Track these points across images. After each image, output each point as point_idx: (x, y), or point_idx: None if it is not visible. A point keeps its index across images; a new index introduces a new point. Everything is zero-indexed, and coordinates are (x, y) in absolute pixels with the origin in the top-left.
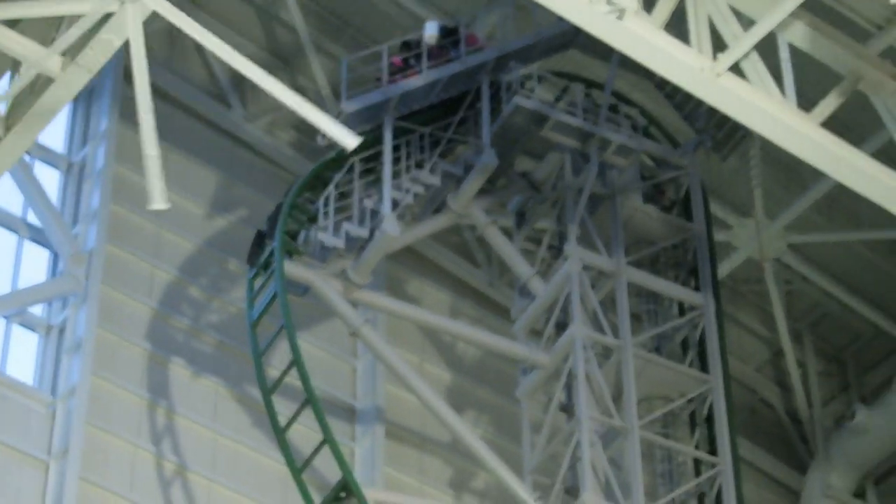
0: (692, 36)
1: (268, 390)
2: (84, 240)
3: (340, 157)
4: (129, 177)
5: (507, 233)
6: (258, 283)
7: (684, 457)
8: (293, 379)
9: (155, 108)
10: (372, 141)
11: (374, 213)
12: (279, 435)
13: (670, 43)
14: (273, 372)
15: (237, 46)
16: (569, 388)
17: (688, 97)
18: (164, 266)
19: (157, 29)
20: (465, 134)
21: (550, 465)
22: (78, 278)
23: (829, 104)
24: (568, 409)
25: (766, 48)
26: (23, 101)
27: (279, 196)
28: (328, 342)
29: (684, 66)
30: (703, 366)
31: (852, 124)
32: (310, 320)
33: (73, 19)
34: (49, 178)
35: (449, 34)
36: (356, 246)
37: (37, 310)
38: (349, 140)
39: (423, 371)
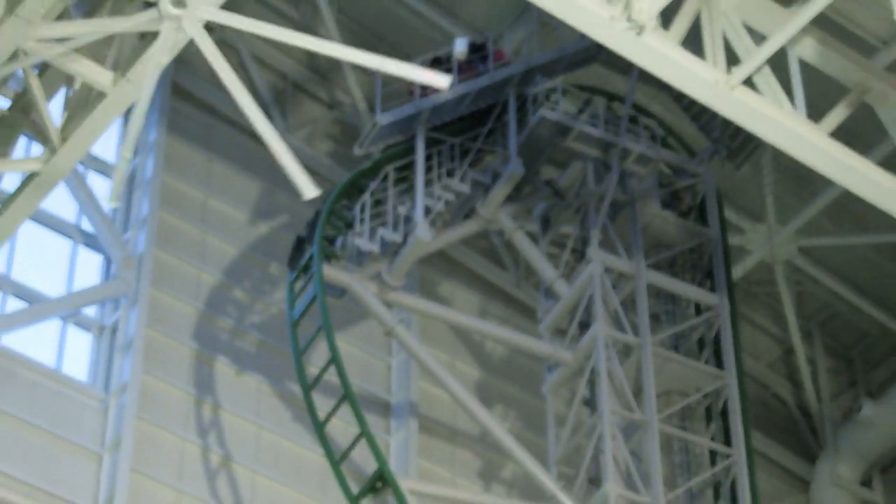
0: (707, 51)
1: (307, 387)
2: (134, 245)
3: (376, 166)
4: (176, 185)
5: (532, 237)
6: (298, 285)
7: (700, 448)
8: (331, 376)
9: (199, 121)
10: (405, 151)
11: (408, 219)
12: (318, 429)
13: (687, 58)
14: (312, 369)
15: (279, 63)
16: (591, 383)
17: (703, 109)
18: (210, 269)
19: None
20: (493, 144)
21: (574, 457)
22: (128, 281)
23: (837, 115)
24: (591, 403)
25: (778, 62)
26: (76, 114)
27: (318, 203)
28: (364, 341)
29: (700, 79)
30: (719, 362)
31: (859, 134)
32: (347, 321)
33: (124, 38)
34: (101, 187)
35: (477, 50)
36: (390, 250)
37: (90, 311)
38: (308, 190)
39: (453, 368)
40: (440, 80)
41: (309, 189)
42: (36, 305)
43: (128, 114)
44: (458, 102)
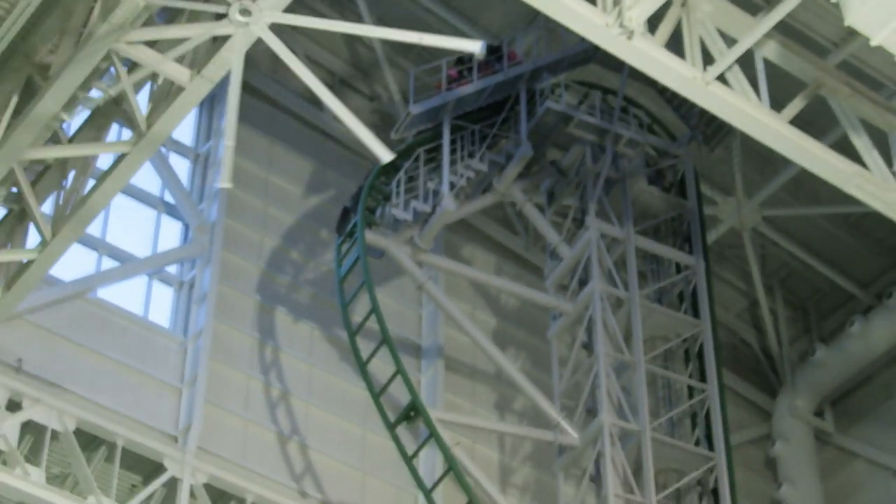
0: (686, 52)
1: (352, 333)
2: (208, 214)
3: (409, 149)
4: (242, 164)
5: (540, 208)
6: (344, 248)
7: (680, 384)
8: (372, 323)
9: (262, 111)
10: (433, 136)
11: (436, 193)
12: (361, 367)
13: (669, 58)
14: (356, 318)
15: (327, 62)
16: (589, 330)
17: (683, 101)
18: (270, 235)
19: (265, 48)
20: (507, 130)
21: (574, 391)
22: (203, 244)
23: (795, 106)
24: (588, 347)
25: (746, 62)
26: (159, 105)
27: (360, 179)
28: (399, 294)
29: (680, 76)
30: (695, 312)
31: (814, 122)
32: (385, 277)
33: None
34: (180, 166)
35: (494, 52)
36: (421, 219)
37: (171, 269)
38: (384, 154)
39: (473, 317)
40: (471, 46)
41: (384, 153)
42: (126, 264)
43: (204, 104)
44: (477, 95)
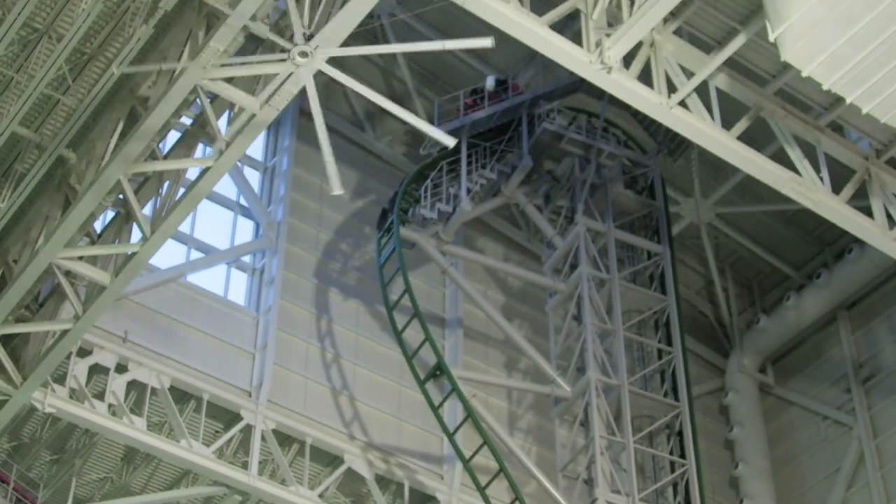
0: (654, 83)
1: (390, 308)
2: (275, 214)
3: (434, 162)
4: (302, 175)
5: (538, 208)
6: (383, 241)
7: (651, 347)
8: (406, 301)
9: (316, 133)
10: (453, 151)
11: (456, 197)
12: (397, 336)
13: (641, 87)
14: (393, 296)
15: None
16: (578, 305)
17: (652, 121)
18: (325, 231)
19: (319, 80)
20: (512, 146)
21: (567, 354)
22: (271, 239)
23: (741, 125)
24: (578, 318)
25: (702, 90)
26: (235, 128)
27: (396, 186)
28: (427, 277)
29: (649, 102)
30: (663, 290)
31: (756, 137)
32: (415, 264)
33: (268, 76)
34: (252, 177)
35: (501, 84)
36: (444, 217)
37: (246, 259)
38: (449, 140)
39: (486, 295)
40: (484, 43)
41: (448, 139)
42: (210, 255)
43: (271, 127)
44: (488, 119)
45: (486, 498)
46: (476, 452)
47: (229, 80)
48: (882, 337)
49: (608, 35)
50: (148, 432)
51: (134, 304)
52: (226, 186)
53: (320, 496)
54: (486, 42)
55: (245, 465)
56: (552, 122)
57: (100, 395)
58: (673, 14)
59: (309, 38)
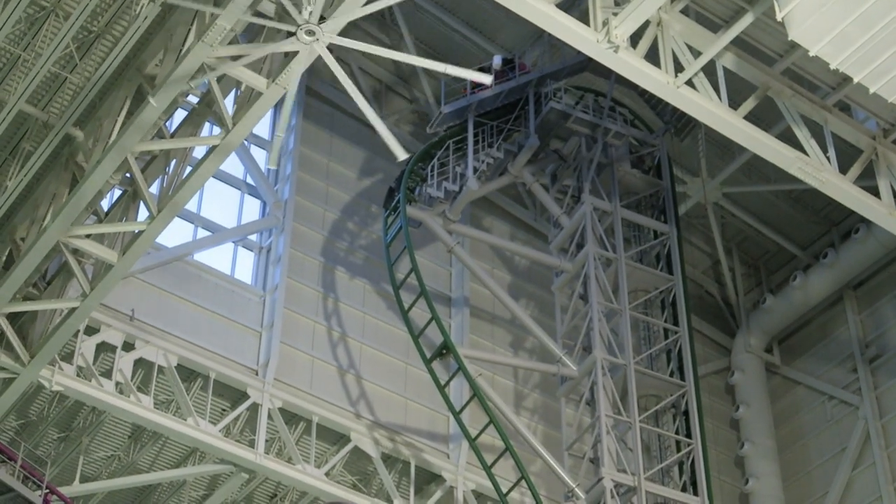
0: (662, 62)
1: (396, 287)
2: (281, 193)
3: (441, 141)
4: (308, 154)
5: (545, 187)
6: (390, 220)
7: (657, 327)
8: (412, 280)
9: (324, 111)
10: (460, 130)
11: (462, 175)
12: (404, 314)
13: (648, 67)
14: (399, 275)
15: (376, 72)
16: (584, 284)
17: (659, 101)
18: (331, 209)
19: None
20: (519, 125)
21: (573, 333)
22: (278, 218)
23: (748, 104)
24: (584, 297)
25: (709, 69)
26: (242, 107)
27: (403, 165)
28: (434, 256)
29: (657, 81)
30: (670, 270)
31: (763, 117)
32: (422, 242)
33: (274, 55)
34: (259, 155)
35: (508, 63)
36: (451, 196)
37: (253, 237)
38: (400, 153)
39: (492, 274)
40: (483, 78)
41: (400, 152)
42: (217, 233)
43: (277, 105)
44: (495, 98)
45: (492, 476)
46: (482, 431)
47: (236, 59)
48: (888, 317)
49: (615, 14)
50: (155, 410)
51: (141, 282)
52: (233, 165)
53: (326, 474)
54: (485, 78)
55: (252, 444)
56: (559, 101)
57: (107, 374)
58: None
59: (321, 20)
